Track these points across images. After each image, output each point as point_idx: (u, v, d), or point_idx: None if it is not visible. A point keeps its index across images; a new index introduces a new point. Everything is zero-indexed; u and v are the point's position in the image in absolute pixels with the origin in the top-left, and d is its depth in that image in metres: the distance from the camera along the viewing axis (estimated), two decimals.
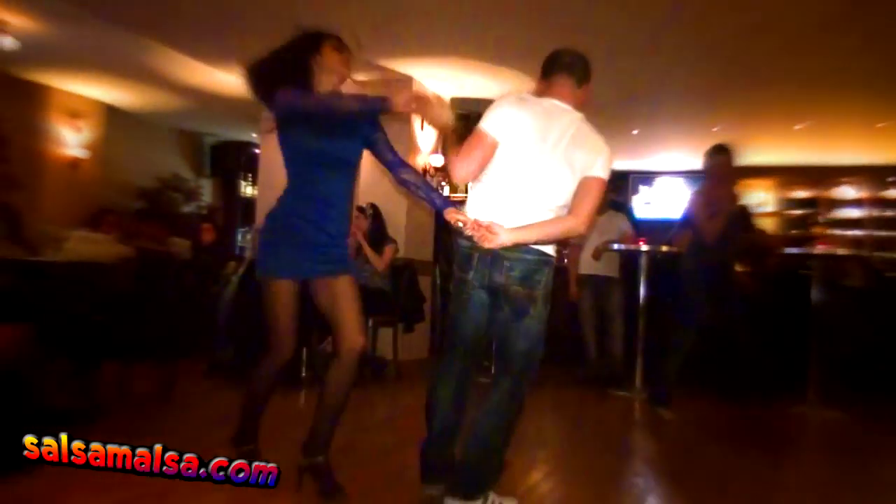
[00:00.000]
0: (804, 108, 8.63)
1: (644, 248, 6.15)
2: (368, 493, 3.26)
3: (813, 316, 6.00)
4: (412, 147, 7.85)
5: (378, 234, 6.60)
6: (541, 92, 3.12)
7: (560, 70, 3.12)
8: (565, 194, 2.93)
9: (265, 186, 8.43)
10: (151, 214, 9.42)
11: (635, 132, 9.47)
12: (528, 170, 2.90)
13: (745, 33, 6.32)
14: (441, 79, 7.89)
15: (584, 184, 2.91)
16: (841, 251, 7.70)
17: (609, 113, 9.09)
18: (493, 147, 2.95)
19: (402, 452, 4.00)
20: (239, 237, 11.62)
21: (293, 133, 3.22)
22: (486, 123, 3.01)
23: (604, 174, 2.93)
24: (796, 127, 9.31)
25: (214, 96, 9.10)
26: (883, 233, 11.37)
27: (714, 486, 3.87)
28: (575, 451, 4.58)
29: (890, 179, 11.50)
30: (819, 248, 6.49)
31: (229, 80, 8.31)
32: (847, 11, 5.77)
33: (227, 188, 12.19)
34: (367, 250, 6.45)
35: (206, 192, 12.06)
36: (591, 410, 5.56)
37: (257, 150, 11.36)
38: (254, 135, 11.50)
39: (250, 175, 11.84)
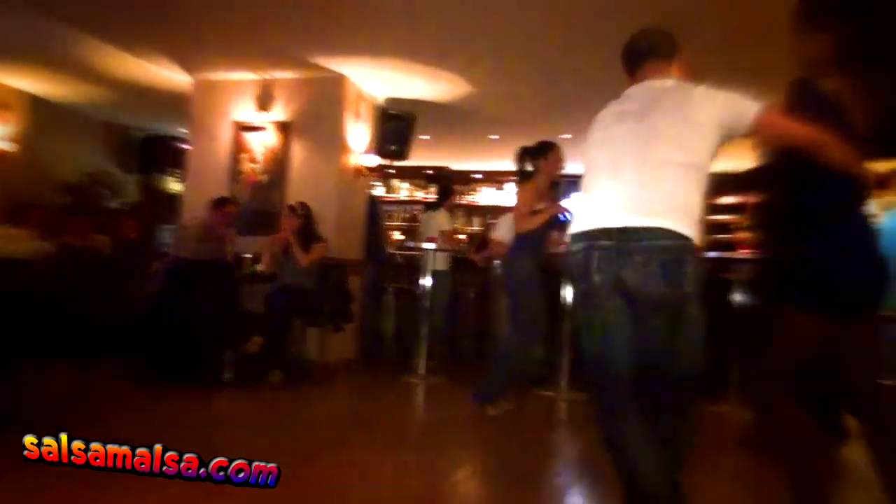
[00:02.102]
0: None
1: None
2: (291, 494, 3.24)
3: (734, 318, 6.13)
4: (344, 147, 7.80)
5: (308, 232, 6.56)
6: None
7: (640, 62, 2.77)
8: (670, 151, 2.46)
9: (193, 183, 8.28)
10: (76, 209, 9.20)
11: (568, 136, 9.56)
12: (615, 148, 2.55)
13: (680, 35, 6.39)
14: (376, 79, 7.87)
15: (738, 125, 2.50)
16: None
17: (544, 117, 9.21)
18: None
19: (329, 456, 3.99)
20: (163, 234, 11.39)
21: None
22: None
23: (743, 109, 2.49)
24: None
25: (143, 89, 8.92)
26: None
27: None
28: (497, 451, 4.58)
29: None
30: (741, 253, 6.64)
31: (158, 73, 8.17)
32: (770, 21, 5.88)
33: (152, 183, 11.94)
34: (296, 248, 6.42)
35: (131, 187, 11.81)
36: (515, 410, 5.58)
37: (185, 146, 11.20)
38: (182, 130, 11.31)
39: (176, 170, 11.63)
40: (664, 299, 2.37)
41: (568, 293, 6.28)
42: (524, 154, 5.64)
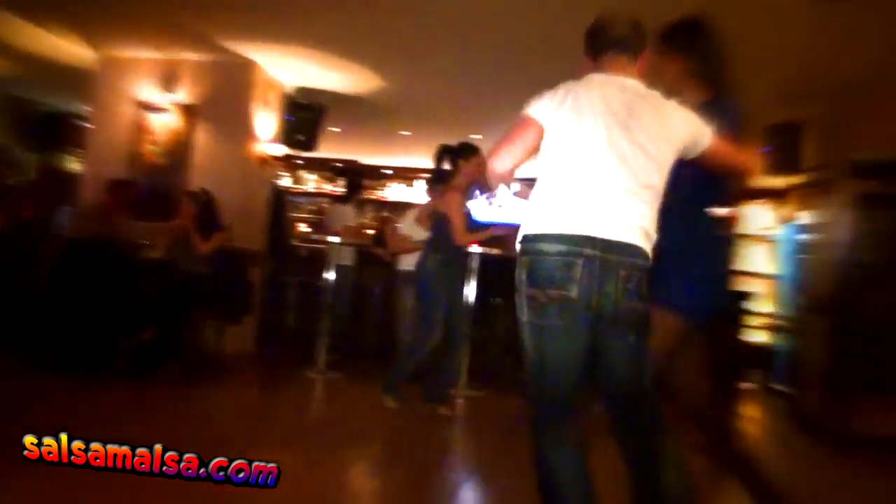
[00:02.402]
0: None
1: (476, 249, 6.18)
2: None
3: None
4: (249, 135, 7.64)
5: (209, 220, 6.40)
6: (588, 72, 2.66)
7: (609, 48, 2.63)
8: (651, 173, 2.43)
9: (93, 163, 8.00)
10: None
11: (479, 136, 9.59)
12: (602, 154, 2.40)
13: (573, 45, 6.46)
14: (284, 67, 7.73)
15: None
16: None
17: (456, 116, 9.21)
18: (540, 135, 2.48)
19: (219, 452, 3.89)
20: (61, 215, 10.99)
21: None
22: (534, 108, 2.50)
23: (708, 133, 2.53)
24: None
25: (47, 63, 8.57)
26: None
27: (525, 478, 3.95)
28: (391, 447, 4.61)
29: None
30: None
31: (63, 47, 7.86)
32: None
33: (52, 162, 11.50)
34: (194, 236, 6.26)
35: (31, 164, 11.36)
36: (411, 407, 5.57)
37: (87, 124, 10.83)
38: (85, 108, 10.94)
39: (77, 149, 11.25)
40: (639, 314, 2.37)
41: (472, 290, 6.29)
42: (444, 153, 5.63)
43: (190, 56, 7.67)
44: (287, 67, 7.76)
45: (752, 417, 7.23)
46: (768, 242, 11.47)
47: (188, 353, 6.20)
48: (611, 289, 2.29)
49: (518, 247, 2.42)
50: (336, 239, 7.01)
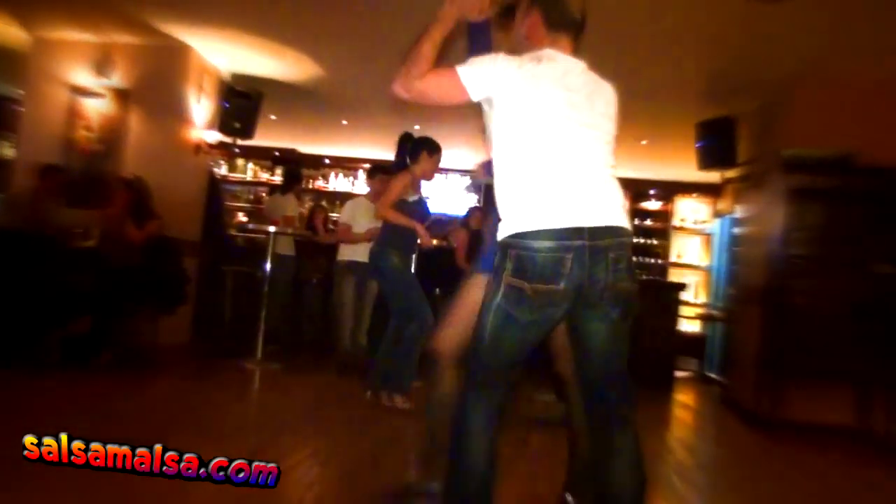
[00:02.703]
0: None
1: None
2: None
3: None
4: (184, 120, 7.52)
5: (142, 208, 6.27)
6: (529, 41, 2.58)
7: (565, 27, 2.56)
8: (610, 152, 2.51)
9: (25, 148, 7.78)
10: None
11: (417, 127, 9.58)
12: (576, 137, 2.39)
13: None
14: (221, 52, 7.61)
15: None
16: None
17: (395, 106, 9.16)
18: (461, 96, 2.40)
19: (147, 444, 3.84)
20: None
21: None
22: (474, 69, 2.40)
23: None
24: None
25: None
26: (640, 240, 12.21)
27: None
28: (331, 436, 4.58)
29: (651, 192, 12.43)
30: None
31: None
32: (618, 31, 6.06)
33: None
34: (128, 225, 6.13)
35: None
36: (348, 398, 5.54)
37: (18, 108, 10.53)
38: (18, 91, 10.63)
39: (9, 133, 10.94)
40: (629, 293, 2.37)
41: None
42: (406, 142, 5.61)
43: (125, 39, 7.50)
44: (223, 53, 7.64)
45: (686, 404, 7.38)
46: (703, 235, 11.73)
47: (122, 344, 6.08)
48: (601, 274, 2.29)
49: (501, 239, 2.37)
50: (273, 228, 6.93)
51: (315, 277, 7.95)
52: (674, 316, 7.97)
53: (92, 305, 6.07)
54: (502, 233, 2.37)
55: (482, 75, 2.38)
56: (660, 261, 12.26)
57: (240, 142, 8.35)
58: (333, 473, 3.78)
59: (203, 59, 7.72)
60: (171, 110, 7.47)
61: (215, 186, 8.28)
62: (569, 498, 3.08)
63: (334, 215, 12.69)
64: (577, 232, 2.29)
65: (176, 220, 6.90)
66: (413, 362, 5.41)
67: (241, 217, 12.08)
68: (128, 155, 7.42)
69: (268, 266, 6.85)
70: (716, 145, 7.71)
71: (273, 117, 9.61)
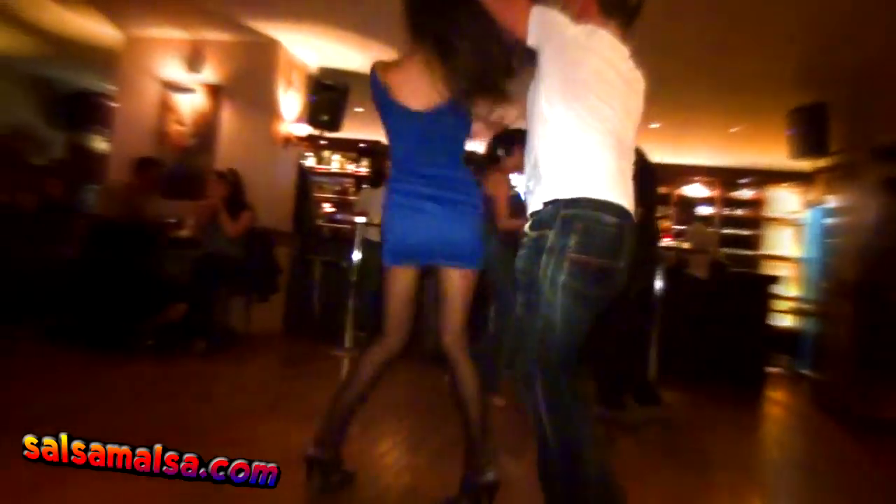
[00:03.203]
0: (661, 108, 8.90)
1: None
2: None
3: (657, 304, 6.24)
4: (275, 114, 7.66)
5: (236, 200, 6.41)
6: (580, 21, 2.50)
7: (623, 15, 2.57)
8: None
9: (119, 143, 8.04)
10: None
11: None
12: (625, 124, 2.46)
13: None
14: (308, 47, 7.74)
15: None
16: (686, 245, 8.03)
17: None
18: (520, 27, 2.41)
19: (239, 423, 3.94)
20: (88, 194, 11.08)
21: None
22: (545, 13, 2.40)
23: None
24: (651, 126, 9.60)
25: (72, 43, 8.64)
26: (730, 231, 11.92)
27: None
28: (419, 422, 4.62)
29: (741, 181, 12.11)
30: (665, 241, 6.76)
31: (89, 27, 7.90)
32: (707, 19, 5.96)
33: (79, 141, 11.58)
34: (224, 218, 6.27)
35: (57, 143, 11.45)
36: (435, 386, 5.58)
37: (113, 104, 10.89)
38: (110, 87, 11.00)
39: (104, 128, 11.33)
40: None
41: None
42: (498, 140, 5.60)
43: (215, 36, 7.68)
44: (311, 47, 7.76)
45: (777, 401, 7.20)
46: (795, 226, 11.40)
47: (216, 331, 6.23)
48: (630, 258, 2.37)
49: (562, 211, 2.34)
50: (362, 219, 7.01)
51: None
52: (765, 310, 7.76)
53: (187, 294, 6.25)
54: (560, 200, 2.35)
55: (549, 22, 2.39)
56: (751, 252, 11.90)
57: (327, 134, 8.47)
58: (423, 461, 3.81)
59: (291, 54, 7.85)
60: (261, 104, 7.62)
61: (304, 178, 8.41)
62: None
63: None
64: (627, 213, 2.37)
65: (267, 212, 7.05)
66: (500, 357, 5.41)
67: (329, 208, 12.25)
68: (220, 148, 7.60)
69: (355, 256, 6.93)
70: (808, 133, 7.48)
71: (359, 109, 9.70)
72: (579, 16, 2.51)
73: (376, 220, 7.44)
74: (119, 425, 3.34)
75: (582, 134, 2.37)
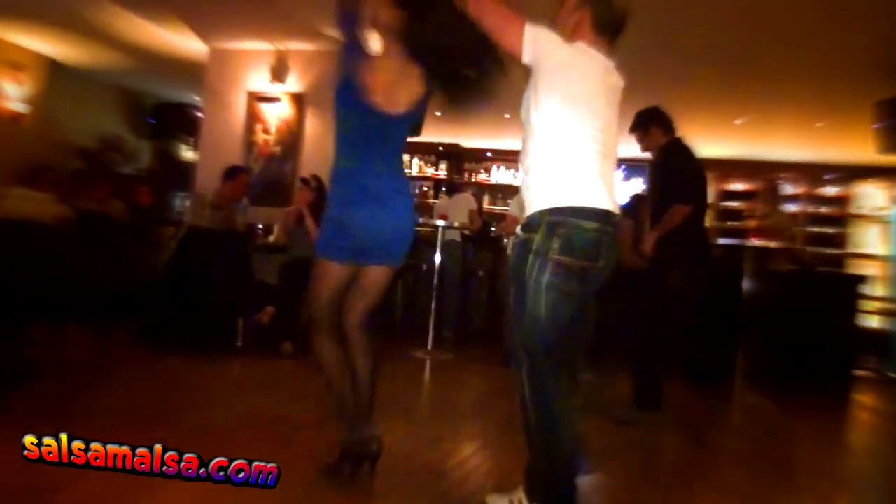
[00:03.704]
0: (745, 103, 8.80)
1: None
2: (294, 463, 3.28)
3: (743, 305, 6.18)
4: None
5: (321, 206, 6.55)
6: (573, 37, 2.70)
7: (609, 31, 2.77)
8: None
9: (207, 152, 8.31)
10: (90, 174, 9.22)
11: None
12: (609, 131, 2.69)
13: (688, 27, 6.41)
14: None
15: None
16: (773, 244, 7.89)
17: None
18: (515, 44, 2.61)
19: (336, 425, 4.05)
20: (177, 202, 11.46)
21: None
22: (540, 31, 2.59)
23: None
24: (737, 121, 9.48)
25: (157, 55, 8.96)
26: (816, 229, 11.66)
27: (645, 464, 4.00)
28: (501, 426, 4.60)
29: (826, 177, 11.83)
30: (753, 241, 6.68)
31: (174, 40, 8.17)
32: (792, 14, 5.90)
33: (165, 150, 11.96)
34: (310, 223, 6.42)
35: (145, 153, 11.85)
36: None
37: (199, 113, 11.22)
38: (196, 97, 11.34)
39: (190, 138, 11.70)
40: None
41: None
42: None
43: (298, 46, 7.86)
44: None
45: (867, 405, 7.04)
46: (883, 223, 11.08)
47: (303, 333, 6.36)
48: (614, 256, 2.63)
49: (548, 217, 2.58)
50: (442, 222, 7.11)
51: (481, 270, 8.10)
52: (853, 311, 7.57)
53: (275, 298, 6.42)
54: (545, 209, 2.59)
55: (543, 41, 2.58)
56: (837, 251, 11.56)
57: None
58: (510, 462, 3.84)
59: None
60: None
61: None
62: None
63: (496, 208, 12.89)
64: (608, 215, 2.62)
65: None
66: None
67: None
68: (304, 155, 7.79)
69: (437, 258, 7.03)
70: (894, 127, 7.31)
71: (438, 113, 9.80)
72: (573, 34, 2.70)
73: (457, 223, 7.55)
74: (214, 424, 3.47)
75: (570, 146, 2.61)
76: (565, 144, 2.62)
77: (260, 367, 5.74)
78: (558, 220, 2.56)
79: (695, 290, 4.81)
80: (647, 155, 5.13)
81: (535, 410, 2.65)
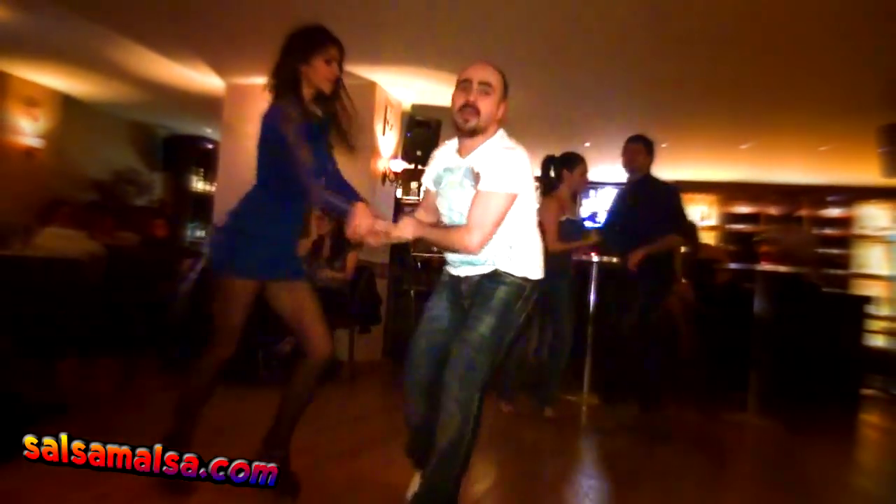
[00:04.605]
0: (751, 127, 8.94)
1: (595, 257, 6.26)
2: (328, 495, 3.37)
3: (754, 329, 6.30)
4: (374, 152, 7.97)
5: (341, 235, 6.69)
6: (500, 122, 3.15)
7: None
8: None
9: (224, 185, 8.45)
10: (103, 207, 9.34)
11: (587, 144, 9.70)
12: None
13: (694, 53, 6.57)
14: (402, 86, 8.04)
15: None
16: (783, 269, 8.02)
17: (563, 128, 9.36)
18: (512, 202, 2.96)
19: (360, 454, 4.13)
20: (189, 232, 11.58)
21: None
22: (523, 179, 2.96)
23: None
24: (743, 146, 9.63)
25: (169, 89, 9.08)
26: (820, 250, 11.75)
27: (658, 489, 4.09)
28: (518, 457, 4.67)
29: (830, 199, 11.96)
30: (763, 265, 6.79)
31: (184, 73, 8.32)
32: (797, 39, 6.05)
33: (179, 182, 12.09)
34: (328, 251, 6.55)
35: (158, 185, 11.98)
36: (520, 416, 5.69)
37: (210, 145, 11.37)
38: (207, 130, 11.50)
39: (202, 170, 11.84)
40: None
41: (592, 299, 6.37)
42: (549, 163, 5.73)
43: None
44: (405, 86, 8.05)
45: (874, 425, 7.13)
46: (886, 243, 11.21)
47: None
48: None
49: (531, 281, 2.97)
50: None
51: None
52: (859, 331, 7.67)
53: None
54: (530, 276, 2.97)
55: (528, 180, 2.96)
56: (841, 271, 11.65)
57: (421, 168, 8.74)
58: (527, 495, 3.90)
59: (386, 94, 8.15)
60: (360, 142, 7.84)
61: (400, 211, 8.69)
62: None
63: None
64: None
65: (368, 245, 7.28)
66: (559, 375, 5.59)
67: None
68: None
69: None
70: None
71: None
72: (499, 123, 3.14)
73: None
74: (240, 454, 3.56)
75: (529, 233, 3.07)
76: (532, 236, 3.07)
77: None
78: (535, 286, 3.03)
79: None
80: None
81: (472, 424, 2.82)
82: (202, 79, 8.46)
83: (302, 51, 3.25)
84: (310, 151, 3.03)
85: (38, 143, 9.55)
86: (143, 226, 9.11)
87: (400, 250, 8.42)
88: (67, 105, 10.01)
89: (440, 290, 3.17)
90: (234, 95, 8.44)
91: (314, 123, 3.24)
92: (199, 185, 11.98)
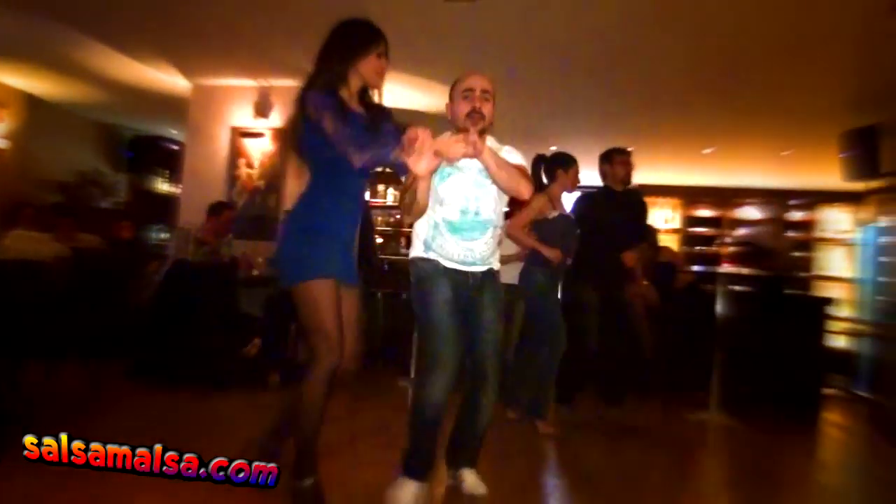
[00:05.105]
0: (713, 132, 9.05)
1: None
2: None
3: (716, 330, 6.39)
4: None
5: None
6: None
7: None
8: None
9: (190, 186, 8.41)
10: (68, 209, 9.25)
11: (553, 148, 9.74)
12: None
13: (657, 59, 6.66)
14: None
15: None
16: (745, 271, 8.13)
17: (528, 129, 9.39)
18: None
19: (329, 455, 4.13)
20: (154, 234, 11.47)
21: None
22: None
23: None
24: (705, 151, 9.74)
25: (135, 89, 9.02)
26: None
27: (622, 487, 4.16)
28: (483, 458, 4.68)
29: (791, 202, 12.15)
30: (724, 267, 6.90)
31: (150, 74, 8.28)
32: (759, 46, 6.14)
33: (142, 184, 11.97)
34: None
35: (123, 186, 11.87)
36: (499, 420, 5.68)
37: (175, 147, 11.29)
38: (173, 131, 11.42)
39: (167, 171, 11.76)
40: None
41: None
42: (541, 162, 5.70)
43: (281, 82, 8.00)
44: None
45: (836, 423, 7.24)
46: (847, 245, 11.37)
47: (289, 364, 6.46)
48: None
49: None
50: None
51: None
52: (820, 332, 7.77)
53: (261, 330, 6.50)
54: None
55: None
56: (804, 273, 11.76)
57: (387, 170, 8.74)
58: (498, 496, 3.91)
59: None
60: None
61: (367, 214, 8.68)
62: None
63: None
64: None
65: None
66: (550, 386, 5.49)
67: (379, 240, 12.40)
68: (288, 190, 7.90)
69: None
70: (860, 155, 7.59)
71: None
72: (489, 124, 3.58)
73: None
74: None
75: None
76: None
77: (247, 401, 5.75)
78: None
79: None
80: None
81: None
82: (168, 79, 8.42)
83: (358, 45, 3.22)
84: (347, 124, 2.97)
85: (3, 144, 9.44)
86: (108, 228, 9.03)
87: (367, 251, 8.40)
88: (32, 105, 9.91)
89: (440, 279, 3.41)
90: (199, 96, 8.42)
91: (360, 114, 3.23)
92: (164, 186, 11.90)
